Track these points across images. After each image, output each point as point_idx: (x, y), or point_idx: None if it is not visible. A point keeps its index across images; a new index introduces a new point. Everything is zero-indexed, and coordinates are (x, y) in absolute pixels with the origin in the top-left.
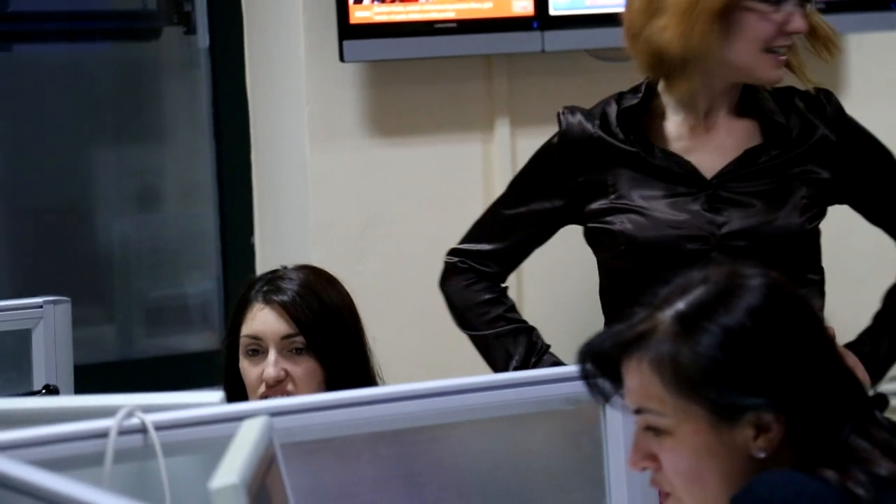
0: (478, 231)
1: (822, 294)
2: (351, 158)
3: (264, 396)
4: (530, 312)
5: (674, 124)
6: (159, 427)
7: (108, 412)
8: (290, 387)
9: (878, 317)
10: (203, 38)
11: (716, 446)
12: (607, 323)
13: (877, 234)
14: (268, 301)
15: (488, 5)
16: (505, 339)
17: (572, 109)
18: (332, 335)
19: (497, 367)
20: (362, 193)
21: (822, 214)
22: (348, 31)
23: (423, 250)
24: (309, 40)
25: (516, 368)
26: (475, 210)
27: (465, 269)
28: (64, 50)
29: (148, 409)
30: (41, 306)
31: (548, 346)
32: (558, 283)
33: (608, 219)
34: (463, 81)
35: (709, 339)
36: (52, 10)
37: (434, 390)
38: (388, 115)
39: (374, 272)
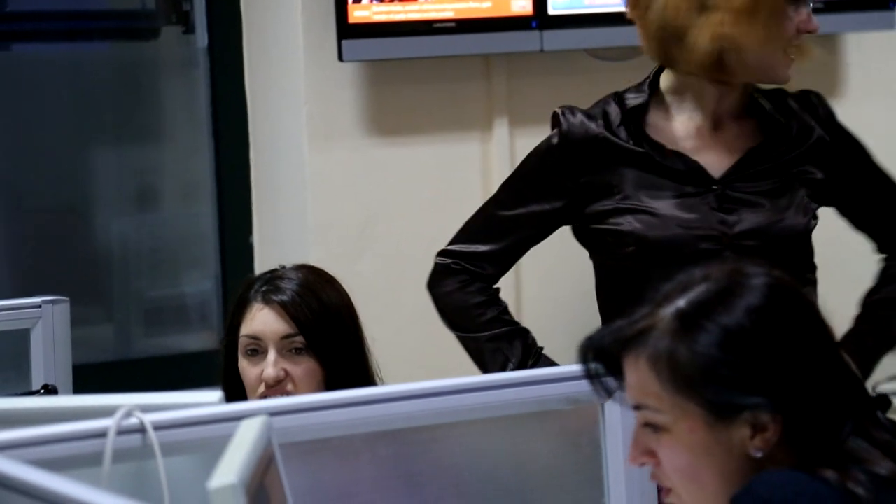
0: (471, 232)
1: (816, 294)
2: (350, 158)
3: (264, 396)
4: (529, 313)
5: (680, 123)
6: (158, 427)
7: (106, 412)
8: (289, 387)
9: (860, 319)
10: (202, 37)
11: (712, 445)
12: (604, 324)
13: None
14: (267, 301)
15: (487, 5)
16: (500, 341)
17: (571, 109)
18: (331, 335)
19: (491, 369)
20: (361, 193)
21: (817, 215)
22: (347, 30)
23: (421, 250)
24: (308, 40)
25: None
26: (474, 209)
27: (458, 270)
28: (63, 49)
29: (146, 408)
30: (40, 306)
31: (542, 349)
32: (557, 284)
33: (614, 220)
34: (462, 81)
35: (707, 338)
36: (51, 9)
37: (433, 390)
38: (386, 114)
39: (373, 272)
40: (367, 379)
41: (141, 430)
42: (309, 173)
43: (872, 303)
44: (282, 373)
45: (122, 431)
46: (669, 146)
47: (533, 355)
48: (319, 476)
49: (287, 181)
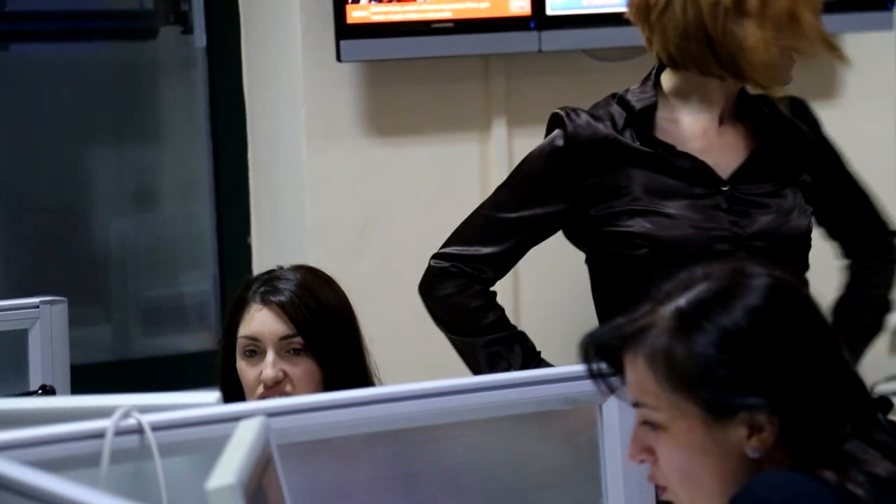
0: (469, 235)
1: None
2: (348, 158)
3: (262, 397)
4: (527, 315)
5: (686, 124)
6: (156, 427)
7: (104, 412)
8: (288, 387)
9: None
10: (200, 37)
11: (709, 444)
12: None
13: None
14: (265, 302)
15: (485, 5)
16: (500, 345)
17: (574, 110)
18: (330, 335)
19: (488, 373)
20: (359, 193)
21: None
22: (345, 30)
23: (420, 250)
24: (306, 40)
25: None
26: (472, 209)
27: (456, 273)
28: (61, 49)
29: (144, 409)
30: (38, 306)
31: (540, 353)
32: (555, 286)
33: (624, 222)
34: (460, 81)
35: (704, 338)
36: (49, 9)
37: (431, 390)
38: (385, 114)
39: (372, 272)
40: (366, 379)
41: (139, 430)
42: (307, 173)
43: (846, 306)
44: (280, 374)
45: (120, 432)
46: (678, 147)
47: (533, 360)
48: (317, 476)
49: (285, 181)
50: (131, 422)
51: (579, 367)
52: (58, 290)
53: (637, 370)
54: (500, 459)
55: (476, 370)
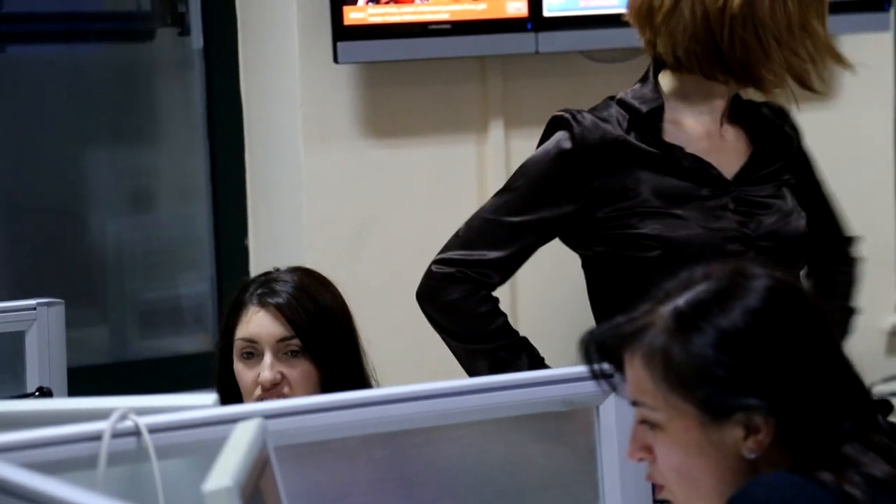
0: (473, 239)
1: None
2: (345, 160)
3: (260, 399)
4: (524, 317)
5: (690, 127)
6: (153, 430)
7: (101, 415)
8: (285, 389)
9: None
10: (197, 39)
11: (705, 444)
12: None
13: (874, 234)
14: (263, 304)
15: (482, 7)
16: (506, 352)
17: (578, 112)
18: (327, 337)
19: None
20: (356, 195)
21: None
22: (342, 32)
23: (417, 251)
24: (303, 42)
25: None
26: (469, 211)
27: (462, 278)
28: (58, 51)
29: (141, 411)
30: (34, 308)
31: (543, 359)
32: (553, 288)
33: (634, 224)
34: (457, 83)
35: (702, 339)
36: (47, 11)
37: (429, 392)
38: (382, 116)
39: (369, 274)
40: (363, 381)
41: (136, 432)
42: (304, 175)
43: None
44: (278, 376)
45: (117, 434)
46: (685, 149)
47: (538, 367)
48: (315, 479)
49: (282, 183)
50: (128, 424)
51: (576, 369)
52: (55, 291)
53: (635, 369)
54: (498, 461)
55: (477, 376)
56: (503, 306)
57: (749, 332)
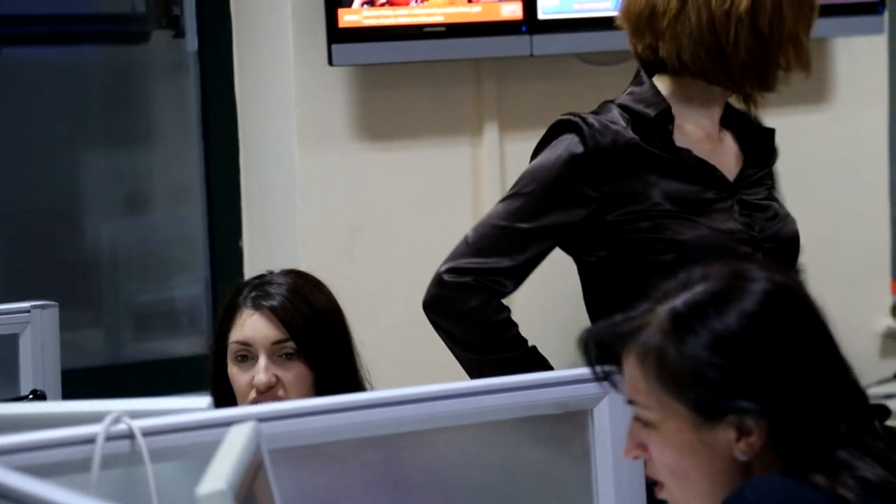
0: (487, 246)
1: None
2: (340, 162)
3: (255, 402)
4: (520, 319)
5: (691, 130)
6: (147, 433)
7: (95, 418)
8: (280, 392)
9: None
10: (192, 41)
11: (697, 445)
12: None
13: (868, 236)
14: (257, 307)
15: (477, 9)
16: (518, 362)
17: (585, 116)
18: (321, 340)
19: None
20: (351, 197)
21: None
22: (337, 34)
23: (411, 254)
24: (298, 44)
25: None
26: (464, 214)
27: (477, 287)
28: (53, 53)
29: (135, 414)
30: (28, 311)
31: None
32: (548, 290)
33: (647, 227)
34: (452, 85)
35: (696, 341)
36: (42, 13)
37: (423, 395)
38: (376, 118)
39: (363, 276)
40: (357, 383)
41: (130, 436)
42: (299, 177)
43: None
44: (273, 378)
45: (110, 437)
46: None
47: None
48: (308, 482)
49: (277, 185)
50: (122, 427)
51: (571, 372)
52: (49, 294)
53: (630, 368)
54: (492, 464)
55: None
56: None
57: (744, 336)
